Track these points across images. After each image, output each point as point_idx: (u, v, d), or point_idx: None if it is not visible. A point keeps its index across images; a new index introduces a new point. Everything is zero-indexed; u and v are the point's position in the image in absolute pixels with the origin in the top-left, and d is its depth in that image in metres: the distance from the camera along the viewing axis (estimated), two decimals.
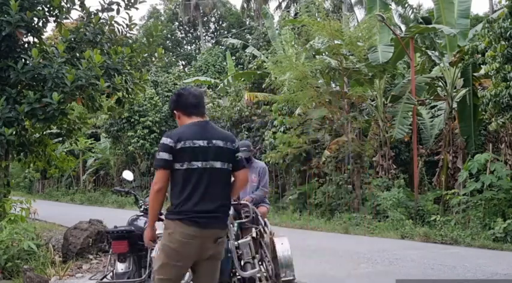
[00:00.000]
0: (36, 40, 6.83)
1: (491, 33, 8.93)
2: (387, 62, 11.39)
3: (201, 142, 2.96)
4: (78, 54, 6.76)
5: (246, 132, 16.29)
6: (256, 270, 3.57)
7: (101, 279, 3.46)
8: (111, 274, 4.64)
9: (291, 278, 3.64)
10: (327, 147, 13.09)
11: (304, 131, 13.72)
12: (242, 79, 17.76)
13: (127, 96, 7.42)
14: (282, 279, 3.63)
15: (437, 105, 14.38)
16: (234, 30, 37.72)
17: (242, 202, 4.63)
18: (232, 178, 3.14)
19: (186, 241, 2.88)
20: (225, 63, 26.36)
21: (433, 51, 12.68)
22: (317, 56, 12.83)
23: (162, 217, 3.29)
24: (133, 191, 4.29)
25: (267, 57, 15.77)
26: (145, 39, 7.56)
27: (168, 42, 38.62)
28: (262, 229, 4.15)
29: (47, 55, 6.19)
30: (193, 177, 2.94)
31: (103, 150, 23.03)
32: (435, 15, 12.54)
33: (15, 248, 5.87)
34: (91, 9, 6.91)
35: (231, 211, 4.17)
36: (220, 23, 41.85)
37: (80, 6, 6.86)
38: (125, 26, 7.19)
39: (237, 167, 3.09)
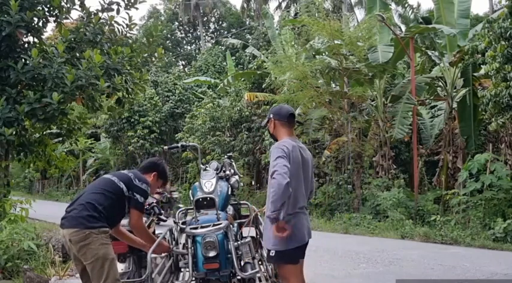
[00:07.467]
0: (36, 40, 6.82)
1: (491, 33, 8.92)
2: (387, 62, 11.39)
3: None
4: (78, 54, 6.76)
5: (246, 132, 16.27)
6: (256, 271, 3.55)
7: None
8: None
9: None
10: (327, 147, 13.08)
11: (304, 131, 13.71)
12: (242, 79, 17.75)
13: (127, 96, 7.42)
14: None
15: (437, 105, 14.37)
16: (234, 30, 37.75)
17: (242, 202, 4.61)
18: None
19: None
20: (225, 63, 26.34)
21: (433, 51, 12.68)
22: (317, 56, 12.83)
23: (162, 217, 3.31)
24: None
25: (267, 57, 15.76)
26: (145, 39, 7.56)
27: (168, 42, 38.62)
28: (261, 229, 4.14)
29: (47, 55, 6.18)
30: None
31: (103, 150, 23.05)
32: (435, 15, 12.55)
33: (15, 248, 5.86)
34: (91, 9, 6.90)
35: (231, 211, 4.16)
36: (220, 23, 41.87)
37: (80, 6, 6.86)
38: (124, 26, 7.19)
39: None
